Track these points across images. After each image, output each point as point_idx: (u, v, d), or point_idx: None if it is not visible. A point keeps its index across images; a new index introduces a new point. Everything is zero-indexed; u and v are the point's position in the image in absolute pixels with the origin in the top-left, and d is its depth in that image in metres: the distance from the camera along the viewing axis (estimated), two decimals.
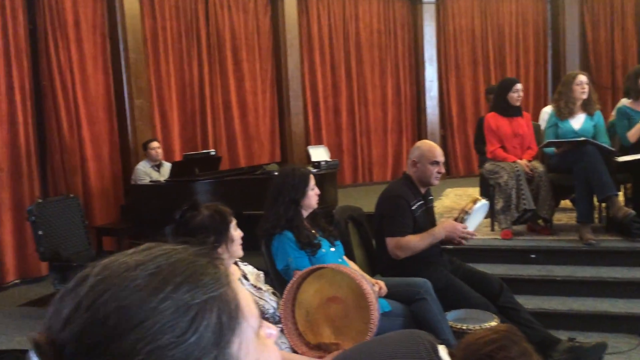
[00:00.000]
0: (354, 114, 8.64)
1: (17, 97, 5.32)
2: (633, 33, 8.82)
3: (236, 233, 2.19)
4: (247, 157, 7.55)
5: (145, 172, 5.64)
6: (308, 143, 7.94)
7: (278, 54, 7.88)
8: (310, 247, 2.59)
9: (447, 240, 3.04)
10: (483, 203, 3.09)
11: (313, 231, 2.70)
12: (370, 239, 3.45)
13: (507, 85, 4.77)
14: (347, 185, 8.28)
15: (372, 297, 1.98)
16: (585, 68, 8.82)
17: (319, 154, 5.91)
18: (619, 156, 4.32)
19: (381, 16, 8.74)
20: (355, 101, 8.64)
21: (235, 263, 2.29)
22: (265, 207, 2.72)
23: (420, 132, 9.02)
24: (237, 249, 2.19)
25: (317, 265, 2.23)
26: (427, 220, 3.19)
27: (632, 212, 4.02)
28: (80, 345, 0.49)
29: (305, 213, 2.72)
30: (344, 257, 2.81)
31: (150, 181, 5.52)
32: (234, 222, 2.19)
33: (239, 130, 7.50)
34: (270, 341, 0.59)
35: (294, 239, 2.59)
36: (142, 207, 5.26)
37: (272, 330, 0.60)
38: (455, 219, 3.03)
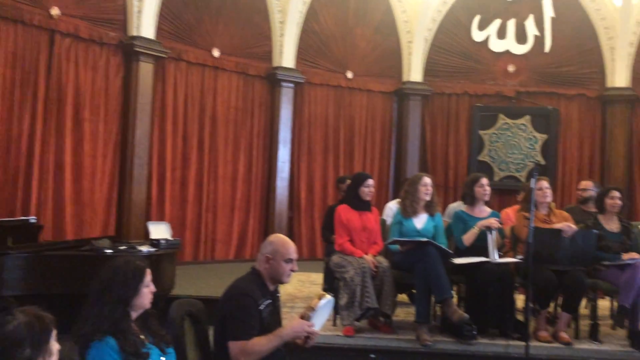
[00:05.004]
0: (202, 188, 8.30)
1: None
2: (465, 138, 9.80)
3: (55, 346, 1.82)
4: (76, 227, 6.76)
5: None
6: (148, 215, 7.38)
7: (127, 118, 7.37)
8: (136, 358, 2.20)
9: (293, 341, 2.84)
10: (328, 299, 2.96)
11: (142, 337, 2.32)
12: (208, 338, 3.11)
13: (360, 180, 4.88)
14: (186, 263, 7.77)
15: None
16: (423, 166, 9.55)
17: (160, 231, 5.46)
18: (454, 257, 4.54)
19: (240, 93, 8.70)
20: (204, 175, 8.32)
21: None
22: (85, 305, 2.28)
23: (268, 211, 8.91)
24: None
25: None
26: (274, 319, 2.95)
27: (466, 316, 4.20)
28: None
29: (135, 314, 2.34)
30: None
31: None
32: (54, 332, 1.82)
33: (69, 196, 6.72)
34: None
35: (117, 347, 2.18)
36: None
37: None
38: (302, 317, 2.85)
